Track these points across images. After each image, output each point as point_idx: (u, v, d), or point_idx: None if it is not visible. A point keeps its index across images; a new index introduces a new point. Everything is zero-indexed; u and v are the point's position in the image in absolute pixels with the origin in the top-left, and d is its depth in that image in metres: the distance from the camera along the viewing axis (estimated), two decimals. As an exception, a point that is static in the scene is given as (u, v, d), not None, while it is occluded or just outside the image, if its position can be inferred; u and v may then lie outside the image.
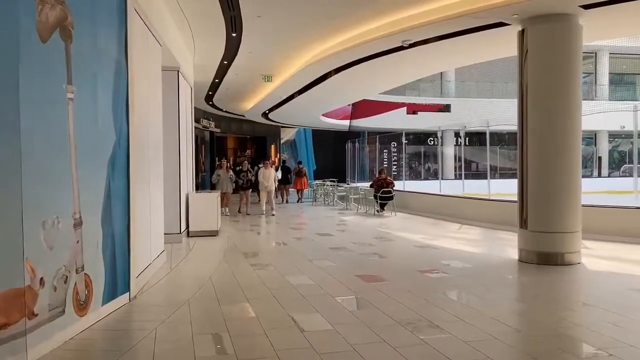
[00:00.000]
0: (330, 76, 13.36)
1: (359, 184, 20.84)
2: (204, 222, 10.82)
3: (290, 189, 22.15)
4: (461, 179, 16.73)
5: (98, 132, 5.08)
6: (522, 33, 7.81)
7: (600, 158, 29.95)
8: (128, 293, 5.70)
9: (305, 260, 8.18)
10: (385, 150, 26.75)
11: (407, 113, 27.41)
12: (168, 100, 9.35)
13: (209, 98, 19.46)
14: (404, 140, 21.53)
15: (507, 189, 13.13)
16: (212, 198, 11.22)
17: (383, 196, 15.26)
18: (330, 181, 22.07)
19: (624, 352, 4.10)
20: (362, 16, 9.23)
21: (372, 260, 8.23)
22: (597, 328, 4.73)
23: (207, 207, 10.97)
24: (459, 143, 24.32)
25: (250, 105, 21.15)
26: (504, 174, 22.33)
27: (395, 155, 27.01)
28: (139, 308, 5.56)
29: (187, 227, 10.78)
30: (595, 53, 28.89)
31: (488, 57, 12.75)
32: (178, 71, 10.04)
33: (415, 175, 27.76)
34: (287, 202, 20.79)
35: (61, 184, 4.43)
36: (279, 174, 20.04)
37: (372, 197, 15.78)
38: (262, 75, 14.69)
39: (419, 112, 27.47)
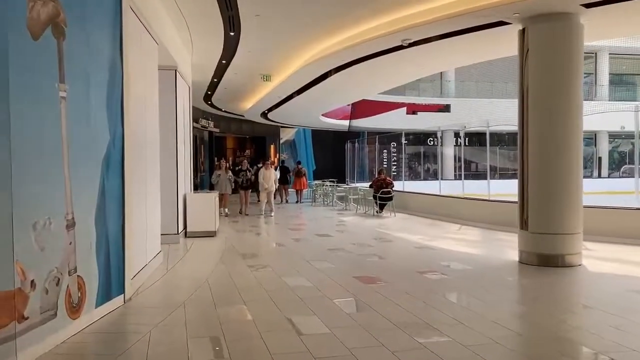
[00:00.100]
0: (330, 76, 13.28)
1: (358, 185, 20.76)
2: (201, 222, 10.74)
3: (289, 189, 22.08)
4: (461, 179, 16.65)
5: (91, 132, 5.00)
6: (522, 32, 7.73)
7: (600, 158, 29.87)
8: (123, 295, 5.62)
9: (304, 261, 8.10)
10: (384, 151, 26.67)
11: (407, 113, 27.33)
12: (165, 99, 9.27)
13: (207, 98, 19.37)
14: (403, 141, 21.45)
15: (507, 189, 13.06)
16: (210, 198, 11.13)
17: (382, 197, 15.18)
18: (330, 181, 21.98)
19: (626, 356, 4.03)
20: (361, 15, 9.15)
21: (371, 262, 8.14)
22: (598, 331, 4.65)
23: (204, 207, 10.88)
24: (458, 143, 24.24)
25: (249, 105, 21.06)
26: (504, 174, 22.27)
27: (394, 156, 26.93)
28: (133, 310, 5.48)
29: (185, 227, 10.70)
30: (595, 53, 28.81)
31: (488, 56, 12.67)
32: (175, 70, 9.95)
33: (414, 176, 27.68)
34: (286, 202, 20.71)
35: (53, 184, 4.34)
36: (277, 174, 19.93)
37: (372, 198, 15.70)
38: (260, 74, 14.59)
39: (418, 112, 27.39)
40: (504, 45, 9.45)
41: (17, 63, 3.82)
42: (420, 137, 27.41)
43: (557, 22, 7.41)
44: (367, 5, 8.56)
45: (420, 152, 28.05)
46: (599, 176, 28.14)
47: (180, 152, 10.38)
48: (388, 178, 15.96)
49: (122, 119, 5.66)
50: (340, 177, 25.85)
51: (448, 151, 26.38)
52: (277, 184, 16.54)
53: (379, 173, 16.11)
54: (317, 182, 23.14)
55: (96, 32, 5.12)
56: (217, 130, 26.64)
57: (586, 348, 4.41)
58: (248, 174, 15.98)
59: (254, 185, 16.07)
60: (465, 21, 8.10)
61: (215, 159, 24.40)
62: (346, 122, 28.00)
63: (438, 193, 15.77)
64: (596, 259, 7.94)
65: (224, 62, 12.81)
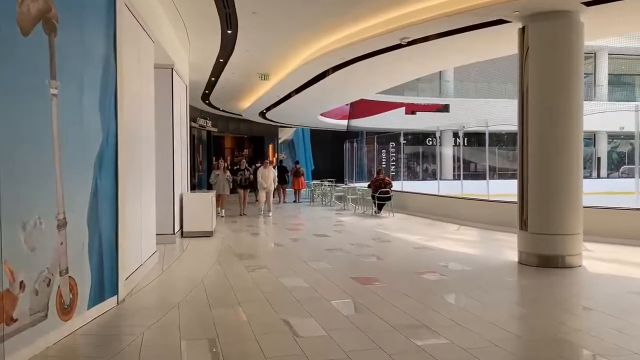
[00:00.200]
0: (328, 75, 13.20)
1: (356, 184, 20.68)
2: (198, 222, 10.65)
3: (287, 189, 21.99)
4: (460, 179, 16.57)
5: (84, 129, 4.91)
6: (522, 31, 7.65)
7: (599, 159, 29.82)
8: (116, 296, 5.53)
9: (301, 262, 8.01)
10: (383, 151, 26.59)
11: (406, 113, 27.25)
12: (162, 98, 9.19)
13: (205, 97, 19.29)
14: (402, 141, 21.37)
15: (506, 189, 12.98)
16: (207, 198, 11.04)
17: (381, 196, 15.10)
18: (328, 181, 21.90)
19: (628, 359, 3.95)
20: (359, 13, 9.07)
21: (369, 262, 8.06)
22: (598, 333, 4.57)
23: (201, 207, 10.79)
24: (457, 143, 24.16)
25: (248, 104, 20.98)
26: (503, 174, 22.19)
27: (393, 156, 26.85)
28: (127, 311, 5.39)
29: (181, 227, 10.61)
30: (594, 54, 28.77)
31: (488, 55, 12.59)
32: (172, 69, 9.86)
33: (413, 176, 27.61)
34: (284, 202, 20.62)
35: (44, 183, 4.25)
36: (275, 172, 19.82)
37: (370, 198, 15.62)
38: (258, 73, 14.51)
39: (417, 112, 27.30)
40: (503, 44, 9.38)
41: (5, 59, 3.73)
42: (419, 137, 27.33)
43: (557, 21, 7.33)
44: (365, 3, 8.48)
45: (419, 152, 27.96)
46: (598, 176, 28.09)
47: (177, 152, 10.29)
48: (387, 178, 15.88)
49: (116, 117, 5.57)
50: (338, 177, 25.77)
51: (447, 151, 26.30)
52: (276, 183, 16.40)
53: (378, 173, 16.04)
54: (315, 181, 23.05)
55: (89, 29, 5.03)
56: (215, 129, 26.55)
57: (587, 351, 4.33)
58: (246, 173, 15.86)
59: (252, 185, 15.95)
60: (464, 19, 8.02)
61: (214, 158, 24.30)
62: (345, 122, 27.91)
63: (437, 193, 15.69)
64: (596, 259, 7.86)
65: (221, 60, 12.72)
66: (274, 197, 17.21)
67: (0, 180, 3.66)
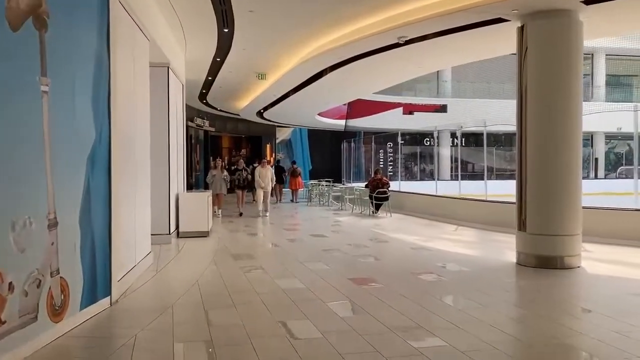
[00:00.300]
0: (325, 74, 13.13)
1: (354, 184, 20.60)
2: (194, 222, 10.56)
3: (285, 189, 21.92)
4: (457, 179, 16.51)
5: (76, 128, 4.81)
6: (521, 29, 7.58)
7: (596, 159, 29.81)
8: (109, 297, 5.44)
9: (297, 262, 7.93)
10: (381, 151, 26.52)
11: (404, 113, 27.18)
12: (157, 97, 9.11)
13: (202, 96, 19.20)
14: (400, 141, 21.32)
15: (504, 190, 12.93)
16: (203, 198, 10.95)
17: (378, 197, 15.03)
18: (326, 181, 21.83)
19: (630, 363, 3.89)
20: (357, 12, 8.99)
21: (366, 263, 7.99)
22: (599, 336, 4.50)
23: (197, 207, 10.70)
24: (455, 144, 24.13)
25: (245, 103, 20.89)
26: (501, 175, 22.14)
27: (391, 156, 26.79)
28: (120, 313, 5.30)
29: (177, 227, 10.52)
30: (592, 54, 28.76)
31: (487, 55, 12.52)
32: (168, 67, 9.77)
33: (411, 176, 27.55)
34: (280, 201, 20.50)
35: (34, 182, 4.16)
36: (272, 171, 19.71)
37: (367, 198, 15.55)
38: (255, 73, 14.44)
39: (415, 113, 27.24)
40: (502, 43, 9.31)
41: (-6, 55, 3.65)
42: (416, 137, 27.29)
43: (556, 19, 7.27)
44: (363, 2, 8.41)
45: (416, 152, 27.93)
46: (596, 177, 28.07)
47: (173, 151, 10.20)
48: (384, 178, 15.82)
49: (109, 115, 5.48)
50: (336, 177, 25.70)
51: (444, 151, 26.27)
52: (274, 183, 16.28)
53: (375, 173, 15.97)
54: (313, 181, 22.98)
55: (81, 25, 4.95)
56: (212, 129, 26.46)
57: (587, 354, 4.27)
58: (244, 173, 15.75)
59: (250, 185, 15.84)
60: (462, 18, 7.95)
61: (211, 158, 24.20)
62: (342, 122, 27.84)
63: (434, 193, 15.63)
64: (595, 260, 7.80)
65: (218, 59, 12.64)
66: (271, 196, 17.11)
67: (-12, 179, 3.58)
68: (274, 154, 31.62)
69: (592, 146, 29.84)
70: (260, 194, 15.11)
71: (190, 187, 20.49)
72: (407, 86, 26.25)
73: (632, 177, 15.33)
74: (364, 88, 18.16)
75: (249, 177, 15.75)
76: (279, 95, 17.65)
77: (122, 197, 5.96)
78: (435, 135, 22.27)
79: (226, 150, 30.76)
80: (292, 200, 21.07)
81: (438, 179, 19.32)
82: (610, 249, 8.64)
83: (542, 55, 7.34)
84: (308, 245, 9.86)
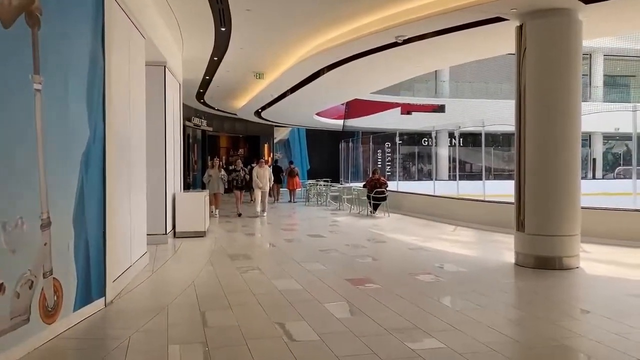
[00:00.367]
0: (323, 74, 13.08)
1: (352, 184, 20.56)
2: (191, 222, 10.49)
3: (282, 189, 21.85)
4: (455, 179, 16.47)
5: (70, 127, 4.75)
6: (520, 29, 7.53)
7: (594, 160, 29.81)
8: (104, 298, 5.38)
9: (294, 263, 7.88)
10: (379, 151, 26.49)
11: (401, 113, 27.12)
12: (154, 96, 9.04)
13: (200, 96, 19.13)
14: (397, 141, 21.28)
15: (502, 190, 12.90)
16: (200, 198, 10.89)
17: (376, 197, 14.99)
18: (324, 181, 21.78)
19: (631, 365, 3.85)
20: (354, 11, 8.94)
21: (364, 263, 7.93)
22: (598, 337, 4.45)
23: (194, 207, 10.64)
24: (453, 144, 24.09)
25: (243, 103, 20.82)
26: (499, 175, 22.12)
27: (389, 156, 26.75)
28: (114, 314, 5.24)
29: (174, 227, 10.45)
30: (590, 55, 28.76)
31: (485, 54, 12.48)
32: (165, 66, 9.71)
33: (409, 176, 27.51)
34: (276, 201, 20.42)
35: (26, 181, 4.10)
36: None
37: (365, 198, 15.50)
38: (253, 72, 14.38)
39: (413, 113, 27.18)
40: (501, 42, 9.27)
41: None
42: (414, 137, 27.25)
43: (556, 18, 7.22)
44: (361, 0, 8.36)
45: (414, 152, 27.90)
46: (593, 177, 28.07)
47: (170, 151, 10.14)
48: (382, 178, 15.77)
49: (104, 114, 5.42)
50: (334, 177, 25.65)
51: (442, 151, 26.24)
52: (271, 183, 16.19)
53: (373, 173, 15.92)
54: (310, 181, 22.93)
55: (75, 23, 4.88)
56: (210, 129, 26.39)
57: (586, 356, 4.22)
58: (242, 173, 15.67)
59: (248, 185, 15.75)
60: (461, 17, 7.90)
61: (209, 157, 24.13)
62: (340, 122, 27.79)
63: (432, 193, 15.58)
64: (594, 261, 7.75)
65: (215, 59, 12.58)
66: (271, 196, 17.03)
67: (-22, 179, 3.52)
68: (271, 154, 31.54)
69: (590, 146, 29.84)
70: (258, 194, 15.03)
71: (187, 186, 20.44)
72: (405, 86, 26.21)
73: (629, 178, 15.34)
74: (362, 88, 18.12)
75: (247, 177, 15.66)
76: (277, 95, 17.59)
77: (117, 197, 5.90)
78: (433, 135, 22.30)
79: (224, 150, 30.68)
80: (290, 201, 21.01)
81: (436, 179, 19.28)
82: (609, 250, 8.60)
83: (541, 55, 7.30)
84: (305, 246, 9.80)
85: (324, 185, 20.73)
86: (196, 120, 23.75)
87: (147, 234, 7.94)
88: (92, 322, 4.91)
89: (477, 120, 15.43)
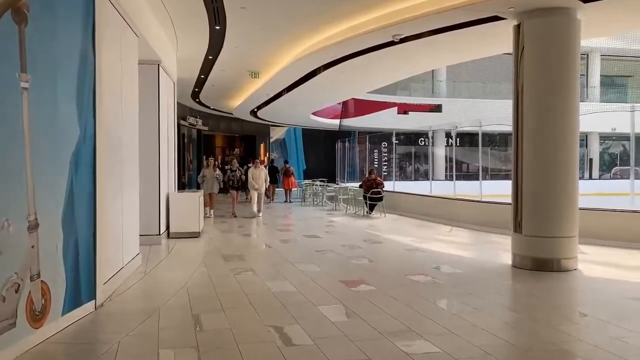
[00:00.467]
0: (319, 73, 12.98)
1: (348, 184, 20.48)
2: (185, 223, 10.39)
3: (277, 189, 21.76)
4: (452, 179, 16.40)
5: (58, 126, 4.65)
6: (518, 28, 7.46)
7: (591, 160, 29.81)
8: (94, 301, 5.28)
9: (289, 264, 7.79)
10: (375, 150, 26.41)
11: (398, 113, 27.04)
12: (147, 95, 8.94)
13: (195, 95, 19.00)
14: (394, 140, 21.21)
15: (499, 190, 12.84)
16: (194, 198, 10.78)
17: (372, 197, 14.91)
18: (320, 181, 21.70)
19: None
20: (351, 9, 8.85)
21: (359, 265, 7.85)
22: (597, 342, 4.37)
23: (188, 207, 10.53)
24: (449, 144, 24.02)
25: (238, 102, 20.70)
26: (495, 175, 22.08)
27: (385, 156, 26.68)
28: (104, 317, 5.14)
29: (168, 228, 10.34)
30: (587, 55, 28.74)
31: (482, 54, 12.39)
32: (159, 65, 9.60)
33: (405, 176, 27.44)
34: (271, 201, 20.31)
35: (12, 182, 3.99)
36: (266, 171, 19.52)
37: (362, 198, 15.42)
38: (248, 71, 14.26)
39: (410, 112, 27.11)
40: (498, 41, 9.20)
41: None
42: (411, 137, 27.18)
43: (554, 18, 7.15)
44: (357, -1, 8.28)
45: (411, 152, 27.83)
46: (590, 178, 28.07)
47: (163, 150, 10.03)
48: (378, 178, 15.69)
49: (95, 114, 5.32)
50: (330, 177, 25.56)
51: (439, 151, 26.17)
52: (267, 183, 16.06)
53: (370, 173, 15.84)
54: (307, 181, 22.84)
55: (64, 20, 4.77)
56: (205, 128, 26.26)
57: (585, 360, 4.15)
58: (238, 173, 15.55)
59: (244, 185, 15.62)
60: (458, 16, 7.81)
61: (204, 157, 24.01)
62: (337, 122, 27.71)
63: (429, 194, 15.51)
64: (592, 262, 7.68)
65: (210, 57, 12.46)
66: (266, 197, 16.91)
67: (-39, 179, 3.42)
68: (267, 154, 31.44)
69: (586, 146, 29.85)
70: (254, 195, 14.89)
71: (183, 186, 20.32)
72: (402, 85, 26.13)
73: (626, 178, 15.29)
74: (358, 87, 18.03)
75: (243, 177, 15.54)
76: (272, 94, 17.48)
77: (108, 197, 5.80)
78: (430, 135, 22.22)
79: (220, 150, 30.55)
80: (286, 200, 20.92)
81: (432, 179, 19.22)
82: (607, 251, 8.53)
83: (538, 54, 7.23)
84: (301, 246, 9.71)
85: (320, 185, 20.65)
86: (191, 120, 23.62)
87: (140, 235, 7.84)
88: (81, 325, 4.81)
89: (474, 120, 15.36)
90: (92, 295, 5.26)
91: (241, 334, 4.54)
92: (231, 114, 25.05)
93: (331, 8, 8.84)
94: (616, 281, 6.77)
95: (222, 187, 15.31)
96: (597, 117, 22.32)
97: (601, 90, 29.44)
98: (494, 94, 26.94)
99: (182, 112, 21.54)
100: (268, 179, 15.92)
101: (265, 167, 19.37)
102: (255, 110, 22.11)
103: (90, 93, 5.25)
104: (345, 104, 25.72)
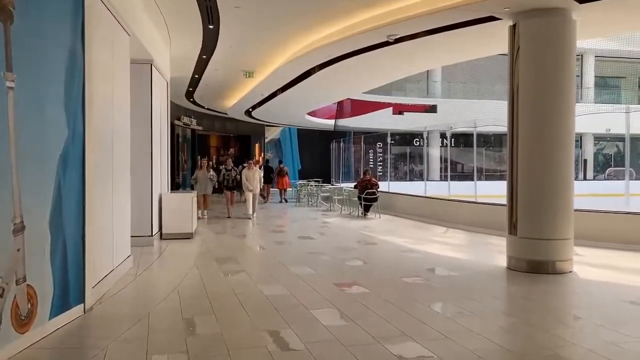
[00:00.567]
0: (314, 73, 12.90)
1: (343, 185, 20.41)
2: (177, 224, 10.28)
3: (272, 189, 21.67)
4: (446, 180, 16.36)
5: (45, 127, 4.55)
6: (513, 28, 7.40)
7: (585, 161, 29.87)
8: (82, 304, 5.18)
9: (282, 266, 7.71)
10: (370, 151, 26.37)
11: (393, 113, 27.00)
12: (139, 94, 8.84)
13: (189, 94, 18.87)
14: (389, 141, 21.17)
15: (493, 191, 12.80)
16: (187, 199, 10.67)
17: (367, 197, 14.84)
18: (315, 181, 21.62)
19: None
20: (346, 9, 8.78)
21: (353, 267, 7.77)
22: (593, 346, 4.32)
23: (181, 208, 10.42)
24: (444, 144, 24.02)
25: (233, 102, 20.59)
26: (490, 175, 22.08)
27: (380, 156, 26.64)
28: (93, 321, 5.04)
29: (160, 229, 10.24)
30: (582, 56, 28.79)
31: (478, 54, 12.34)
32: (151, 64, 9.49)
33: (400, 176, 27.42)
34: (265, 201, 20.21)
35: (-3, 184, 3.90)
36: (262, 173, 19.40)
37: (356, 199, 15.35)
38: (243, 71, 14.16)
39: (405, 113, 27.08)
40: (494, 42, 9.13)
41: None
42: (406, 138, 27.17)
43: (549, 18, 7.09)
44: (351, -2, 8.20)
45: (406, 153, 27.81)
46: (584, 179, 28.11)
47: (156, 150, 9.92)
48: (373, 179, 15.63)
49: (84, 114, 5.22)
50: (325, 177, 25.48)
51: (434, 152, 26.16)
52: (262, 184, 15.92)
53: (364, 174, 15.77)
54: (301, 181, 22.76)
55: (52, 17, 4.68)
56: (200, 128, 26.12)
57: (581, 366, 4.09)
58: (233, 173, 15.42)
59: (239, 185, 15.50)
60: (453, 16, 7.75)
61: (199, 157, 23.88)
62: (332, 122, 27.63)
63: (424, 194, 15.46)
64: (587, 265, 7.64)
65: (204, 57, 12.36)
66: (261, 197, 16.78)
67: (-58, 181, 3.32)
68: (262, 154, 31.32)
69: (581, 147, 29.90)
70: (248, 196, 14.76)
71: (177, 187, 20.20)
72: (397, 86, 26.10)
73: (620, 179, 15.29)
74: (353, 87, 17.95)
75: (238, 177, 15.42)
76: (267, 94, 17.39)
77: (98, 198, 5.70)
78: (424, 135, 22.20)
79: (214, 150, 30.41)
80: (280, 201, 20.83)
81: (427, 180, 19.17)
82: (603, 253, 8.49)
83: (534, 55, 7.18)
84: (294, 248, 9.63)
85: (315, 185, 20.57)
86: (186, 120, 23.48)
87: (132, 236, 7.73)
88: (69, 330, 4.72)
89: (469, 120, 15.33)
90: (81, 299, 5.16)
91: (232, 338, 4.46)
92: (226, 113, 24.92)
93: (326, 7, 8.77)
94: (612, 284, 6.72)
95: (216, 187, 15.19)
96: (591, 117, 22.36)
97: (595, 91, 29.50)
98: (489, 95, 26.95)
99: (177, 112, 21.42)
100: (262, 179, 15.80)
101: (260, 167, 19.26)
102: (250, 110, 22.01)
103: (80, 92, 5.15)
104: (340, 104, 25.66)
